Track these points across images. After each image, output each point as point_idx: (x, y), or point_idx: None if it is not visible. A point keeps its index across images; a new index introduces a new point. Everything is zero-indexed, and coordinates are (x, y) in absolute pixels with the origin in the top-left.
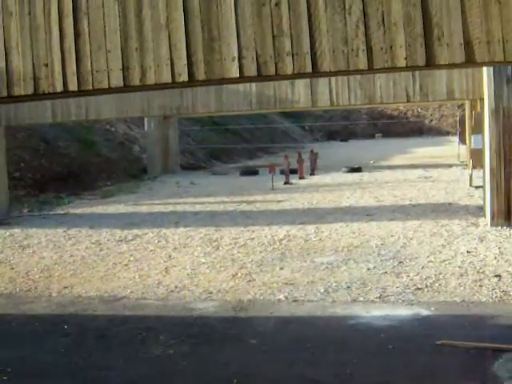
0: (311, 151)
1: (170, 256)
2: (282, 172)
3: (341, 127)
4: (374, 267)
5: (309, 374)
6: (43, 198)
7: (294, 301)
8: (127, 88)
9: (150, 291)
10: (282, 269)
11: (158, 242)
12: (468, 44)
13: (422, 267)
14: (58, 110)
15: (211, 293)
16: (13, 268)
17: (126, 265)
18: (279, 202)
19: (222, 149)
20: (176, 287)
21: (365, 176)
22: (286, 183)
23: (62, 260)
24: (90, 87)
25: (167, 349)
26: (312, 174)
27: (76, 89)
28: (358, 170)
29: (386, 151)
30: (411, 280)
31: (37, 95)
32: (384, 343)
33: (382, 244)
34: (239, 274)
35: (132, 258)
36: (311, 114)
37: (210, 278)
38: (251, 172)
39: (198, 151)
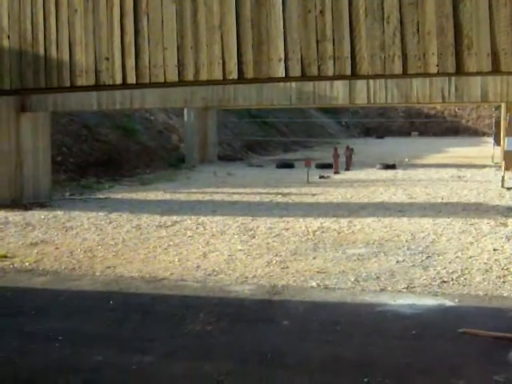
0: (347, 147)
1: (207, 242)
2: (319, 166)
3: (377, 124)
4: (403, 260)
5: (337, 353)
6: (84, 183)
7: (326, 288)
8: (181, 83)
9: (189, 274)
10: (314, 258)
11: (197, 228)
12: (495, 54)
13: (449, 262)
14: (103, 99)
15: (247, 277)
16: (57, 248)
17: (166, 249)
18: (314, 195)
19: (259, 141)
20: (214, 271)
21: (399, 173)
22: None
23: (104, 242)
24: (147, 81)
25: (206, 325)
26: (347, 169)
27: (134, 82)
28: (392, 167)
29: (422, 150)
30: (438, 273)
31: (98, 86)
32: (408, 329)
33: (412, 239)
34: (274, 262)
35: (171, 243)
36: (348, 109)
37: (246, 263)
38: (287, 165)
39: (234, 142)
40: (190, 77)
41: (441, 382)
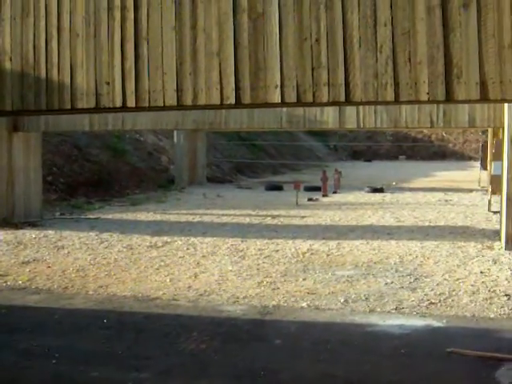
0: (335, 170)
1: (198, 263)
2: (308, 188)
3: (365, 147)
4: (392, 282)
5: (329, 371)
6: (74, 203)
7: (316, 308)
8: (180, 107)
9: (181, 294)
10: (304, 279)
11: (187, 249)
12: (483, 83)
13: (437, 284)
14: (95, 119)
15: (238, 298)
16: (49, 267)
17: (157, 269)
18: (303, 217)
19: (248, 163)
20: (205, 291)
21: (387, 197)
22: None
23: (95, 261)
24: (147, 104)
25: (200, 344)
26: (335, 192)
27: (134, 105)
28: (380, 190)
29: (409, 173)
30: (426, 295)
31: (98, 109)
32: (397, 348)
33: (400, 261)
34: (264, 282)
35: (162, 263)
36: (336, 132)
37: (237, 284)
38: (276, 187)
39: (223, 164)
40: (188, 101)
41: None
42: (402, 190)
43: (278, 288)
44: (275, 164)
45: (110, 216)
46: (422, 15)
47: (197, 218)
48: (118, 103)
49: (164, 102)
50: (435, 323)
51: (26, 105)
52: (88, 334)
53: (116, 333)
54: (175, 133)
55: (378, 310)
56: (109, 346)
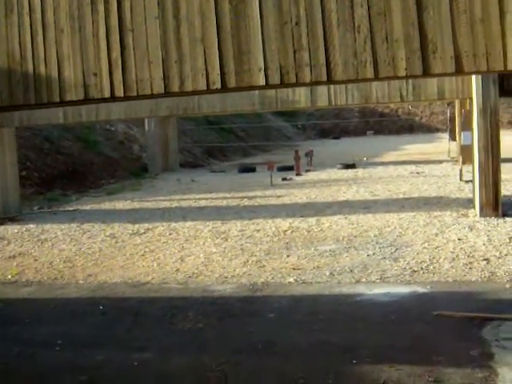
0: (307, 149)
1: (182, 247)
2: (280, 168)
3: (333, 125)
4: (374, 254)
5: (323, 339)
6: (50, 196)
7: (303, 283)
8: (167, 94)
9: (169, 277)
10: (288, 256)
11: (170, 234)
12: (458, 57)
13: (417, 253)
14: (69, 112)
15: (226, 277)
16: (36, 260)
17: (143, 255)
18: (279, 197)
19: (218, 147)
20: (193, 273)
21: (359, 172)
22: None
23: (81, 252)
24: (135, 94)
25: (196, 323)
26: (308, 170)
27: (122, 95)
28: (352, 166)
29: (378, 148)
30: (408, 264)
31: (87, 100)
32: (386, 315)
33: (380, 234)
34: (250, 261)
35: (147, 249)
36: (304, 112)
37: (223, 264)
38: (249, 169)
39: (195, 149)
40: (175, 89)
41: (423, 359)
42: (374, 164)
43: (264, 266)
44: (245, 146)
45: (88, 207)
46: None
47: (174, 204)
48: (107, 94)
49: (152, 90)
50: (420, 289)
51: (15, 100)
52: (86, 321)
53: (113, 317)
54: (146, 121)
55: (364, 280)
56: (109, 330)
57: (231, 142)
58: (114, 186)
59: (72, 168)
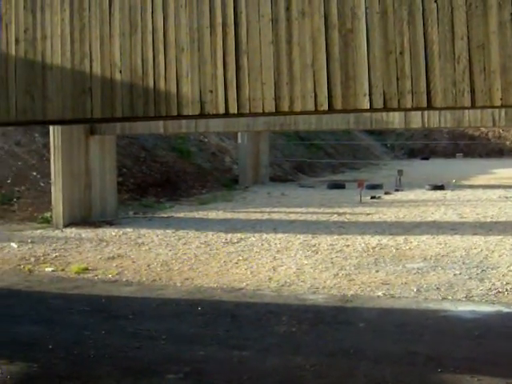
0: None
1: (274, 257)
2: (369, 186)
3: (422, 145)
4: (460, 273)
5: (411, 349)
6: (145, 202)
7: (392, 297)
8: (278, 113)
9: (263, 285)
10: (377, 271)
11: (262, 244)
12: None
13: (503, 275)
14: (169, 122)
15: (318, 288)
16: (134, 262)
17: (236, 263)
18: (368, 214)
19: (307, 162)
20: (286, 282)
21: (447, 194)
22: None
23: (177, 256)
24: (247, 111)
25: (290, 327)
26: (397, 190)
27: (236, 112)
28: (440, 187)
29: (467, 171)
30: (493, 285)
31: (202, 115)
32: (471, 330)
33: (466, 254)
34: (340, 274)
35: (240, 258)
36: (393, 131)
37: (314, 276)
38: (338, 185)
39: (285, 164)
40: (285, 108)
41: (504, 372)
42: (462, 187)
43: (354, 279)
44: (334, 163)
45: (181, 215)
46: (494, 29)
47: (265, 216)
48: (221, 110)
49: (263, 109)
50: (504, 309)
51: (135, 112)
52: (187, 320)
53: (212, 318)
54: (239, 134)
55: (450, 298)
56: (208, 329)
57: (320, 158)
58: (205, 196)
59: (166, 176)
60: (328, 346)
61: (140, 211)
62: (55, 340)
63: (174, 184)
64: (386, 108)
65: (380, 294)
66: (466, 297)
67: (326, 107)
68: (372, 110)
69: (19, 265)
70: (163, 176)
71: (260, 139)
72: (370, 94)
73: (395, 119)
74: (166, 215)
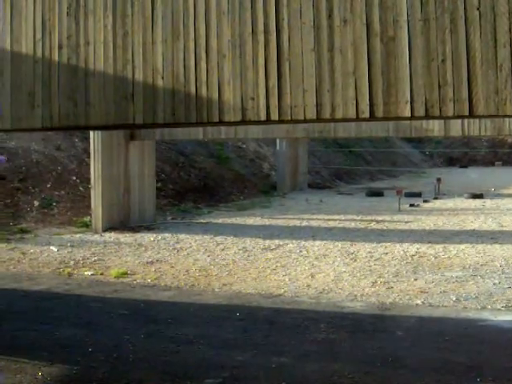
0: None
1: (312, 264)
2: (408, 194)
3: (461, 154)
4: (499, 282)
5: (449, 358)
6: (183, 208)
7: (430, 305)
8: (319, 120)
9: (301, 291)
10: (416, 280)
11: (300, 251)
12: None
13: None
14: (209, 128)
15: (356, 295)
16: (173, 266)
17: (274, 269)
18: (407, 222)
19: (346, 170)
20: (324, 289)
21: (486, 202)
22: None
23: (215, 262)
24: (289, 118)
25: (328, 334)
26: (435, 198)
27: (277, 119)
28: (479, 196)
29: (507, 179)
30: None
31: (243, 122)
32: (510, 340)
33: (506, 264)
34: (378, 282)
35: (278, 264)
36: (431, 139)
37: (352, 283)
38: (376, 193)
39: (323, 171)
40: (326, 115)
41: None
42: (501, 196)
43: (392, 287)
44: (373, 170)
45: (219, 220)
46: None
47: (304, 223)
48: (263, 117)
49: (305, 116)
50: None
51: (177, 118)
52: (225, 325)
53: (250, 324)
54: (278, 140)
55: (489, 307)
56: (247, 334)
57: (358, 165)
58: (244, 202)
59: (204, 182)
60: (366, 354)
61: (178, 217)
62: (95, 343)
63: (212, 190)
64: (428, 116)
65: (418, 302)
66: (505, 306)
67: (367, 115)
68: (413, 117)
69: (59, 268)
70: (201, 182)
71: (298, 146)
72: (411, 102)
73: (435, 127)
74: (204, 221)
